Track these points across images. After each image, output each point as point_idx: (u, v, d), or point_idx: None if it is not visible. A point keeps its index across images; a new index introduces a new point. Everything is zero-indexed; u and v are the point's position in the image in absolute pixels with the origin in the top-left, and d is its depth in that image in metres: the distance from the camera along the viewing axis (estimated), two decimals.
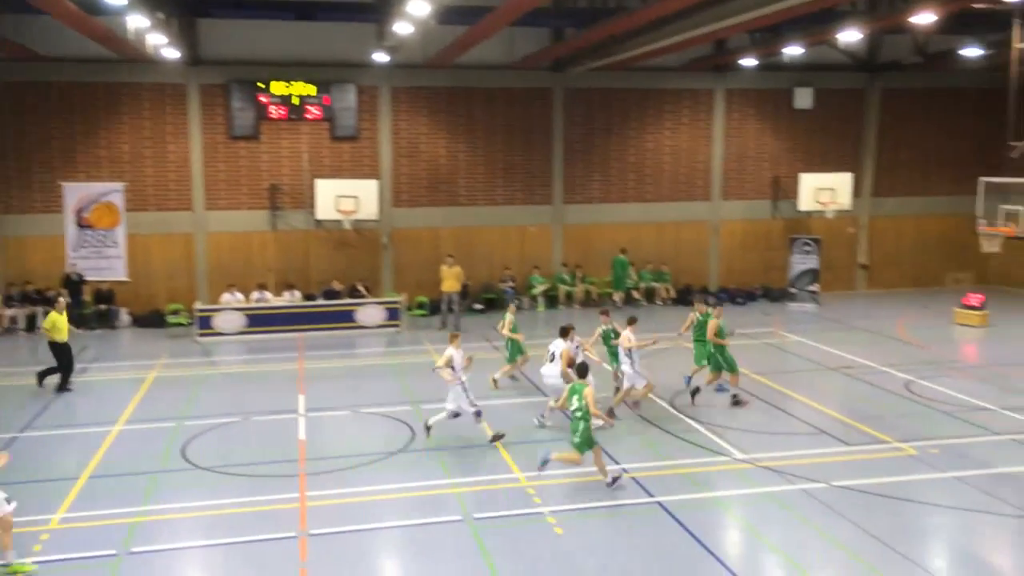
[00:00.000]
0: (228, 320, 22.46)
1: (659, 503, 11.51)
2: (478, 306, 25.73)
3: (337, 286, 24.31)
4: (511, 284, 26.16)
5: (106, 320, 23.65)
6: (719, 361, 15.97)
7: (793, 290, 26.89)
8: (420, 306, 24.76)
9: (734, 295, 27.34)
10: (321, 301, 23.73)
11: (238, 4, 22.98)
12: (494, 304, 25.97)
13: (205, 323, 22.36)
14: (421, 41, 23.00)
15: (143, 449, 13.90)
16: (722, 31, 19.74)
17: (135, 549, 10.31)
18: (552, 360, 15.02)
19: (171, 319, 23.43)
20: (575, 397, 12.09)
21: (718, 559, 9.98)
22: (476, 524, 10.92)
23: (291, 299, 23.62)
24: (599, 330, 16.24)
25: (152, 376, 18.74)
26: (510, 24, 20.24)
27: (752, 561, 10.19)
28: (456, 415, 14.07)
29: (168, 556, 10.28)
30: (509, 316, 17.50)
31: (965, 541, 10.68)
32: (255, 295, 23.42)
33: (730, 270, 28.19)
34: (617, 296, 26.23)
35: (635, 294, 26.68)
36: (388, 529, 10.93)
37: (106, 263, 23.81)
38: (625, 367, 15.25)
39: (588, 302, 26.50)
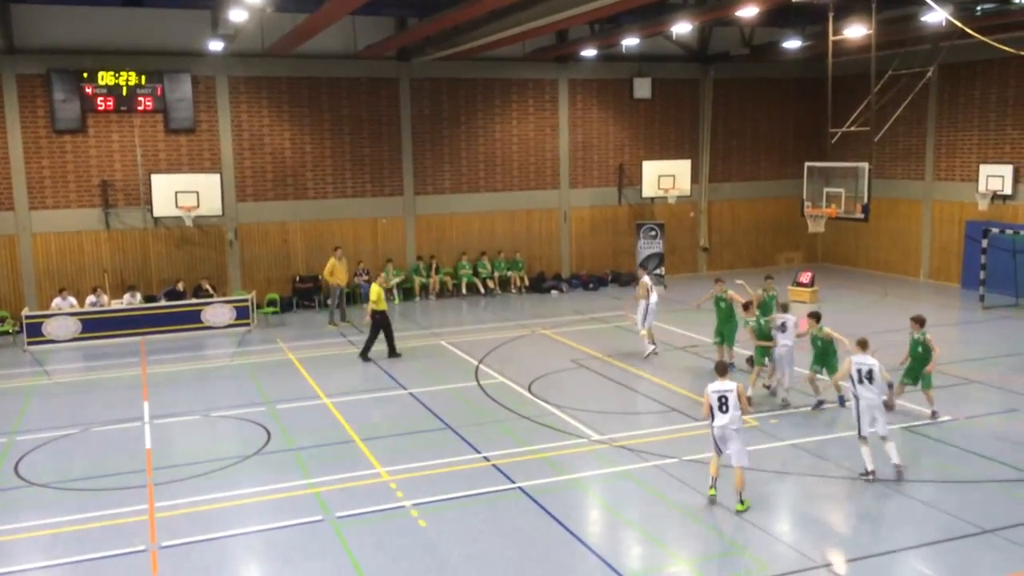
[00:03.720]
0: (60, 326, 21.07)
1: (520, 488, 11.69)
2: (330, 300, 25.24)
3: (181, 286, 23.25)
4: (366, 278, 25.82)
5: None
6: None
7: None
8: (271, 303, 24.05)
9: (586, 281, 28.04)
10: (163, 302, 22.64)
11: None
12: (349, 299, 25.58)
13: (34, 330, 20.89)
14: (259, 29, 22.36)
15: None
16: (562, 22, 20.12)
17: None
18: (784, 330, 14.94)
19: None
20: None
21: (580, 540, 10.25)
22: (338, 523, 10.75)
23: (131, 301, 22.38)
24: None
25: None
26: (351, 12, 19.91)
27: (612, 539, 10.52)
28: None
29: None
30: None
31: (803, 503, 11.42)
32: (90, 298, 22.07)
33: (581, 256, 28.89)
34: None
35: (490, 283, 26.91)
36: (246, 535, 10.60)
37: None
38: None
39: (444, 293, 26.54)
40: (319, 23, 19.65)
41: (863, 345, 12.35)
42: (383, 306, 19.01)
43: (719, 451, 11.15)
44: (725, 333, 17.06)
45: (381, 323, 19.00)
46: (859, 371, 11.87)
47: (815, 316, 15.07)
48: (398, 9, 23.49)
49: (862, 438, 11.77)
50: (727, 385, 10.96)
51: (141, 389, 17.19)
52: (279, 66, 24.68)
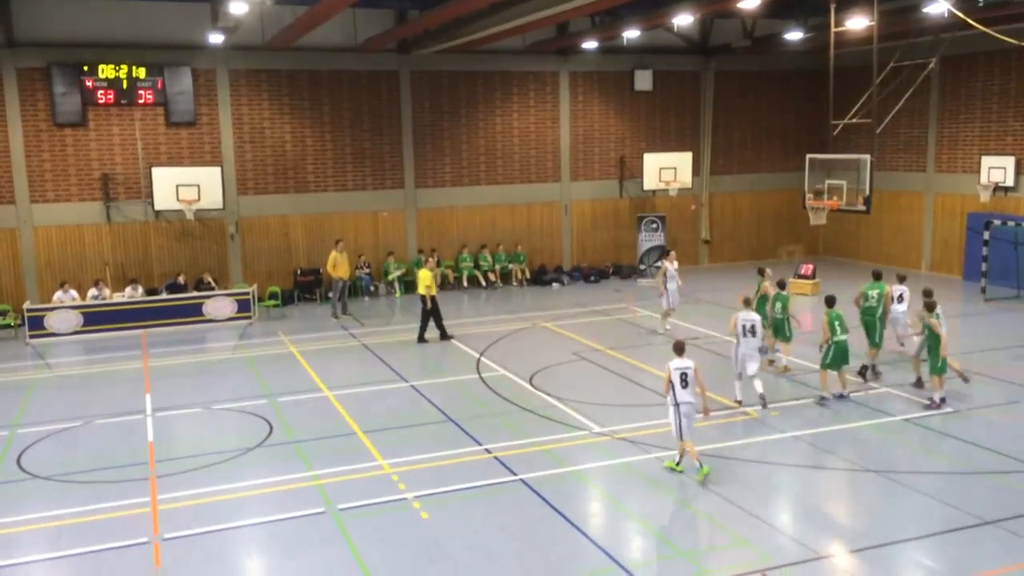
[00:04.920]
0: (62, 319, 21.10)
1: (522, 480, 11.71)
2: (332, 294, 25.24)
3: (182, 279, 23.26)
4: (367, 271, 25.85)
5: None
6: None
7: (642, 267, 27.86)
8: (273, 296, 24.05)
9: (587, 273, 28.04)
10: (165, 295, 22.65)
11: None
12: (351, 291, 25.55)
13: (36, 324, 20.92)
14: (259, 22, 22.32)
15: None
16: (563, 14, 20.06)
17: None
18: (902, 301, 16.73)
19: None
20: (837, 322, 14.47)
21: (581, 531, 10.27)
22: (340, 515, 10.77)
23: (132, 294, 22.39)
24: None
25: None
26: (352, 5, 19.86)
27: (613, 530, 10.54)
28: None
29: (5, 573, 9.60)
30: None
31: (804, 495, 11.44)
32: (92, 292, 22.08)
33: (582, 249, 28.88)
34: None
35: (491, 276, 26.91)
36: (248, 527, 10.61)
37: None
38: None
39: (445, 286, 26.51)
40: (319, 16, 19.60)
41: (747, 303, 14.93)
42: (434, 291, 19.87)
43: (681, 433, 11.63)
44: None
45: (431, 306, 19.77)
46: (743, 326, 14.27)
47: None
48: (398, 2, 23.43)
49: (738, 376, 14.48)
50: (687, 363, 11.70)
51: (143, 382, 17.21)
52: (279, 59, 24.64)
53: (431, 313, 19.82)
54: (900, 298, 16.85)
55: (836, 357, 14.58)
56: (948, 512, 10.53)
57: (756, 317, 14.37)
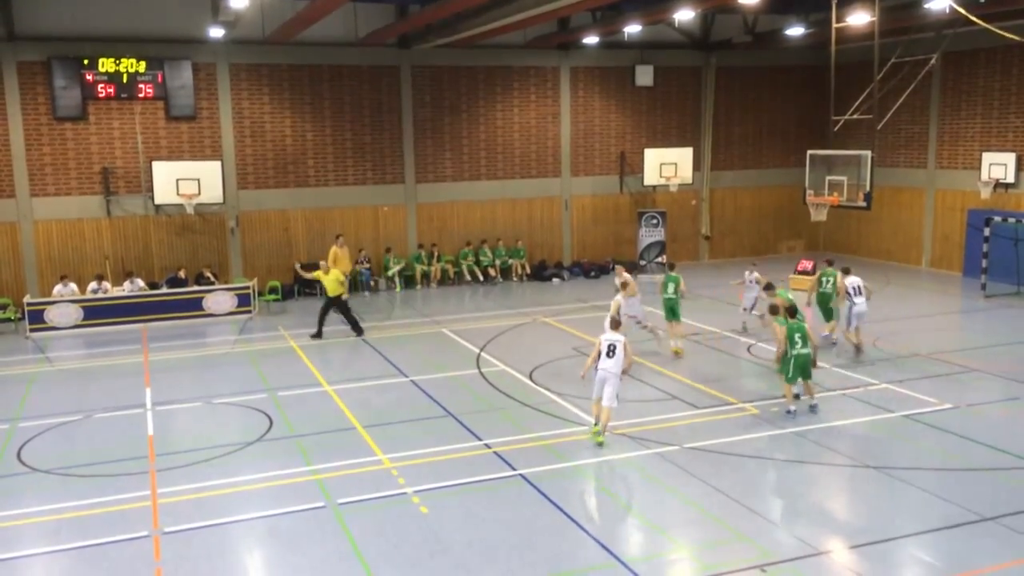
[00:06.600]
0: (62, 313, 21.10)
1: (522, 475, 11.72)
2: None
3: (182, 273, 23.26)
4: (367, 266, 25.85)
5: None
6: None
7: (642, 262, 27.86)
8: (273, 291, 24.05)
9: (587, 269, 28.03)
10: (165, 289, 22.65)
11: None
12: (351, 286, 25.53)
13: (36, 317, 20.92)
14: (259, 16, 22.30)
15: None
16: (564, 9, 20.02)
17: None
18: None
19: None
20: (797, 335, 13.92)
21: (580, 526, 10.28)
22: (340, 509, 10.79)
23: (132, 288, 22.39)
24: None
25: None
26: None
27: (612, 525, 10.54)
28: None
29: (5, 567, 9.62)
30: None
31: (804, 491, 11.44)
32: (92, 286, 22.09)
33: (582, 244, 28.87)
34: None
35: (491, 271, 26.91)
36: (248, 521, 10.63)
37: None
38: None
39: (445, 281, 26.54)
40: (320, 10, 19.58)
41: (623, 286, 17.06)
42: (334, 291, 19.96)
43: (602, 398, 12.61)
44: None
45: (327, 306, 20.14)
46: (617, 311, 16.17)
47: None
48: None
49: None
50: (617, 336, 12.77)
51: (143, 376, 17.22)
52: (280, 53, 24.61)
53: (340, 308, 20.07)
54: (858, 291, 17.29)
55: (796, 371, 13.78)
56: (947, 508, 10.54)
57: (621, 300, 16.63)
